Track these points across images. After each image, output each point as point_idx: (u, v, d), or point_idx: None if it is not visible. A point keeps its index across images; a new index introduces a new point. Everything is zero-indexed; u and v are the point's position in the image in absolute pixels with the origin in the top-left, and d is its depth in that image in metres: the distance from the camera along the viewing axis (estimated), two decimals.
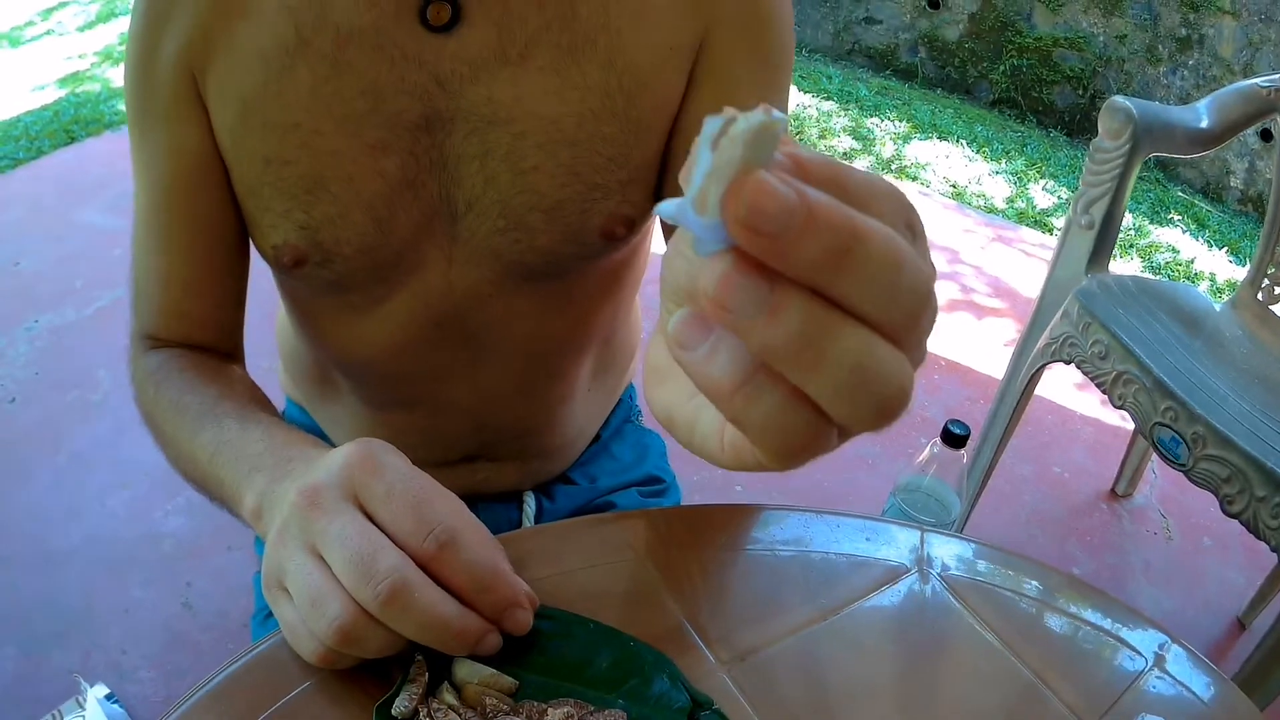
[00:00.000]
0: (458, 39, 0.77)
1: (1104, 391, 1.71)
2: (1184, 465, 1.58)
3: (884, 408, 0.32)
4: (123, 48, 5.65)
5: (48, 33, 7.97)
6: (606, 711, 0.56)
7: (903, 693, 0.65)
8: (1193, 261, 4.03)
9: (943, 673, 0.67)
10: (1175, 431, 1.58)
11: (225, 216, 0.86)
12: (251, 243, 0.89)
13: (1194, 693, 0.69)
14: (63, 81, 5.80)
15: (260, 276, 0.94)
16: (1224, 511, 1.53)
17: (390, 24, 0.76)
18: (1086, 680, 0.69)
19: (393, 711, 0.55)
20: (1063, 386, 2.89)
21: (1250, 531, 1.50)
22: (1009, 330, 3.17)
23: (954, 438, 1.34)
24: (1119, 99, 1.89)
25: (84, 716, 1.67)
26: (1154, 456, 2.50)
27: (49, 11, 8.67)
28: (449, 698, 0.55)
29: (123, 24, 7.24)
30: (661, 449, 1.27)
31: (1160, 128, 1.92)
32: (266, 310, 1.09)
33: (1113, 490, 2.55)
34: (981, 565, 0.77)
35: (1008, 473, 2.49)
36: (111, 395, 2.57)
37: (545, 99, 0.80)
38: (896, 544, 0.77)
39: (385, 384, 0.99)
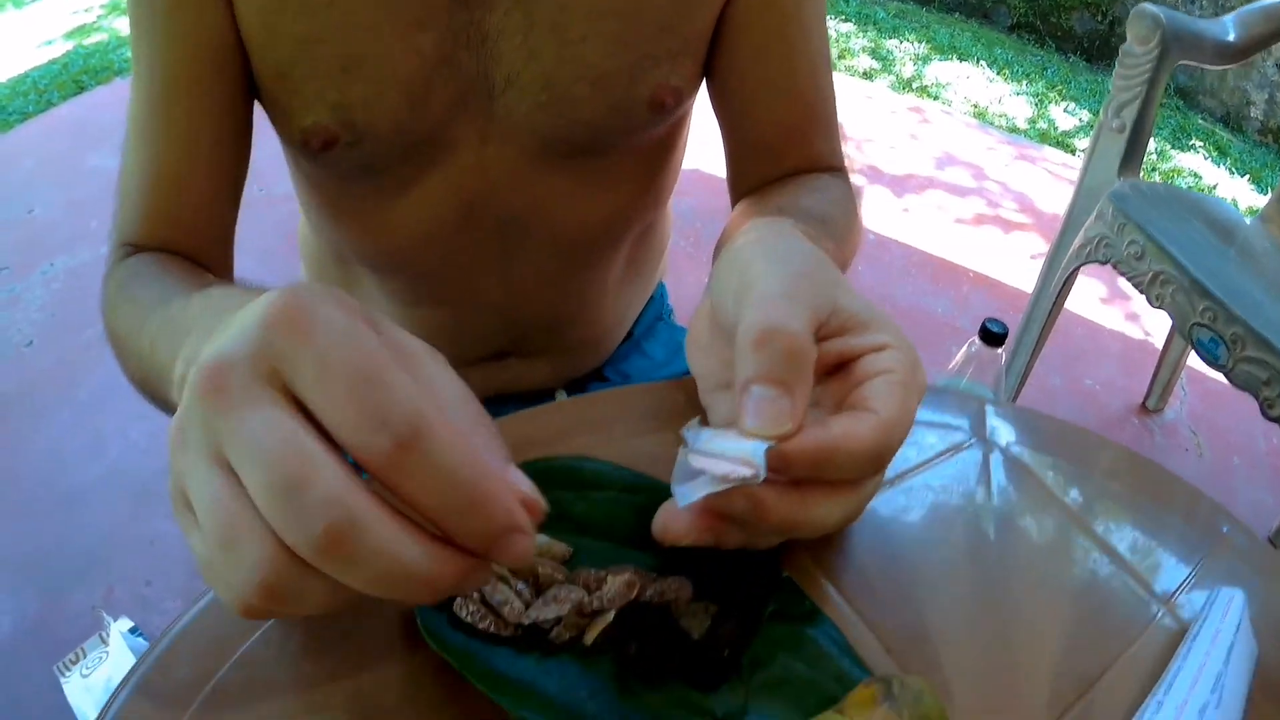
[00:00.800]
0: None
1: (1141, 291, 1.68)
2: (1224, 366, 1.56)
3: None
4: None
5: None
6: (670, 579, 0.53)
7: (975, 561, 0.62)
8: (1214, 188, 3.99)
9: (1013, 543, 0.64)
10: (1214, 332, 1.56)
11: (235, 106, 0.82)
12: (276, 128, 0.87)
13: (1256, 570, 0.66)
14: (70, 34, 5.76)
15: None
16: (1264, 415, 1.50)
17: None
18: (1156, 559, 0.66)
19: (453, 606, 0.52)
20: (1091, 300, 2.86)
21: None
22: (1036, 245, 3.14)
23: (992, 336, 1.31)
24: (1148, 5, 1.88)
25: (108, 652, 1.65)
26: (1184, 373, 2.48)
27: None
28: (498, 566, 0.52)
29: None
30: None
31: (1188, 36, 1.91)
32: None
33: (1143, 405, 2.53)
34: (1038, 435, 0.73)
35: (1040, 383, 2.48)
36: None
37: None
38: (957, 413, 0.74)
39: (413, 277, 0.97)
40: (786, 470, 0.46)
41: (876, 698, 0.43)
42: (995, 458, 0.70)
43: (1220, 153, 4.37)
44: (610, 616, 0.50)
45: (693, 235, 2.94)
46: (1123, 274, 1.73)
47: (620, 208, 0.97)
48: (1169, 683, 0.55)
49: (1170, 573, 0.64)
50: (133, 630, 1.69)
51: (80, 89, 4.25)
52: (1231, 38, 2.02)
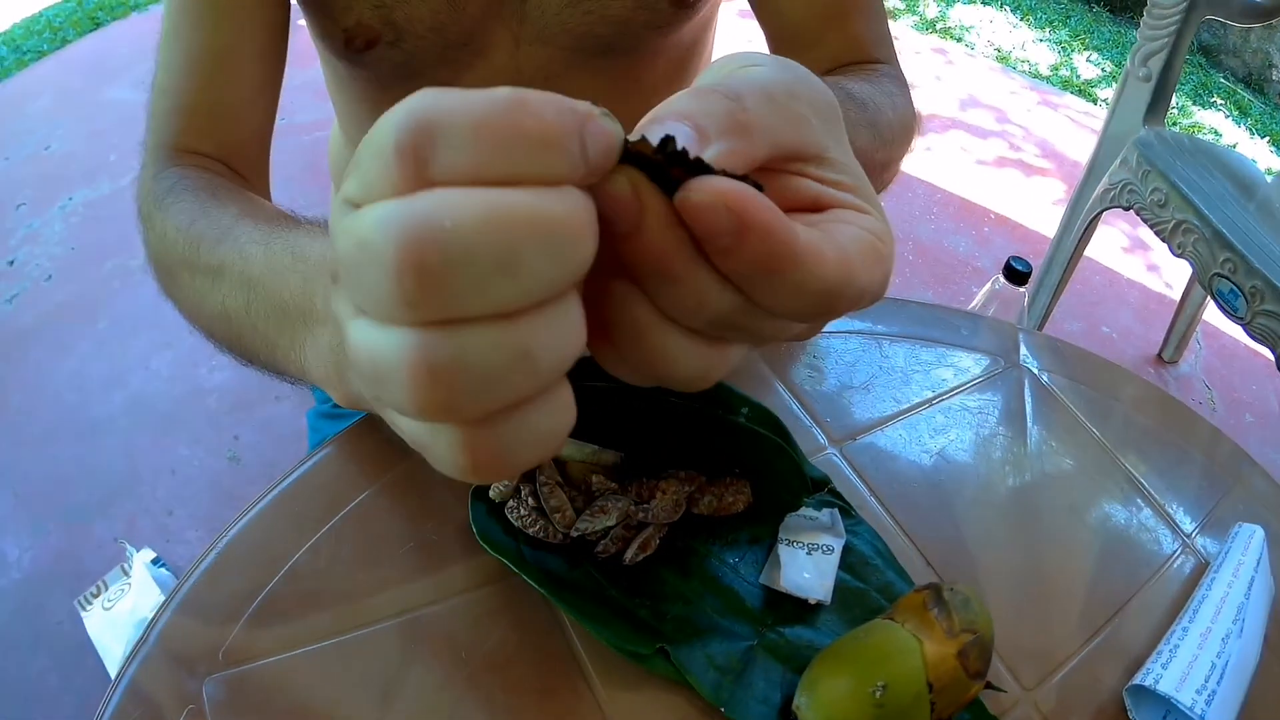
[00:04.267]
0: None
1: (1163, 240, 1.67)
2: (1242, 318, 1.56)
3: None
4: None
5: None
6: (725, 481, 0.53)
7: (1009, 483, 0.63)
8: (1235, 146, 3.92)
9: (1044, 466, 0.65)
10: (1234, 284, 1.56)
11: (271, 3, 0.80)
12: (314, 32, 0.86)
13: (1273, 511, 0.67)
14: None
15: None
16: None
17: None
18: (1179, 493, 0.67)
19: (490, 493, 0.53)
20: (1111, 249, 2.84)
21: None
22: (1057, 190, 3.11)
23: (1016, 274, 1.31)
24: None
25: (129, 584, 1.67)
26: (1200, 327, 2.46)
27: None
28: (553, 473, 0.53)
29: None
30: None
31: None
32: None
33: (1159, 355, 2.52)
34: (1070, 364, 0.74)
35: (1057, 328, 2.47)
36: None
37: None
38: (993, 338, 0.74)
39: None
40: (736, 233, 0.30)
41: (926, 603, 0.44)
42: (1029, 383, 0.71)
43: (1241, 112, 4.33)
44: (655, 535, 0.51)
45: None
46: (1145, 221, 1.72)
47: (650, 105, 0.96)
48: (1194, 609, 0.56)
49: (1192, 507, 0.66)
50: (155, 561, 1.71)
51: (96, 25, 4.17)
52: None
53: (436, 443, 0.31)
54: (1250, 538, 0.62)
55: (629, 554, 0.51)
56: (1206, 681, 0.51)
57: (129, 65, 3.64)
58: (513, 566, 0.49)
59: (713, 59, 1.00)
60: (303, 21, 0.85)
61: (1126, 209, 1.76)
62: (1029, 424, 0.68)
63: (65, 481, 1.95)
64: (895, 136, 0.73)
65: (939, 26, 4.44)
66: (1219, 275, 1.58)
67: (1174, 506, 0.65)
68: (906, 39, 4.26)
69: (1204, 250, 1.60)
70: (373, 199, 0.28)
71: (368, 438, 0.61)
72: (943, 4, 4.72)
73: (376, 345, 0.29)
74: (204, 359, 2.24)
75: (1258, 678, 0.54)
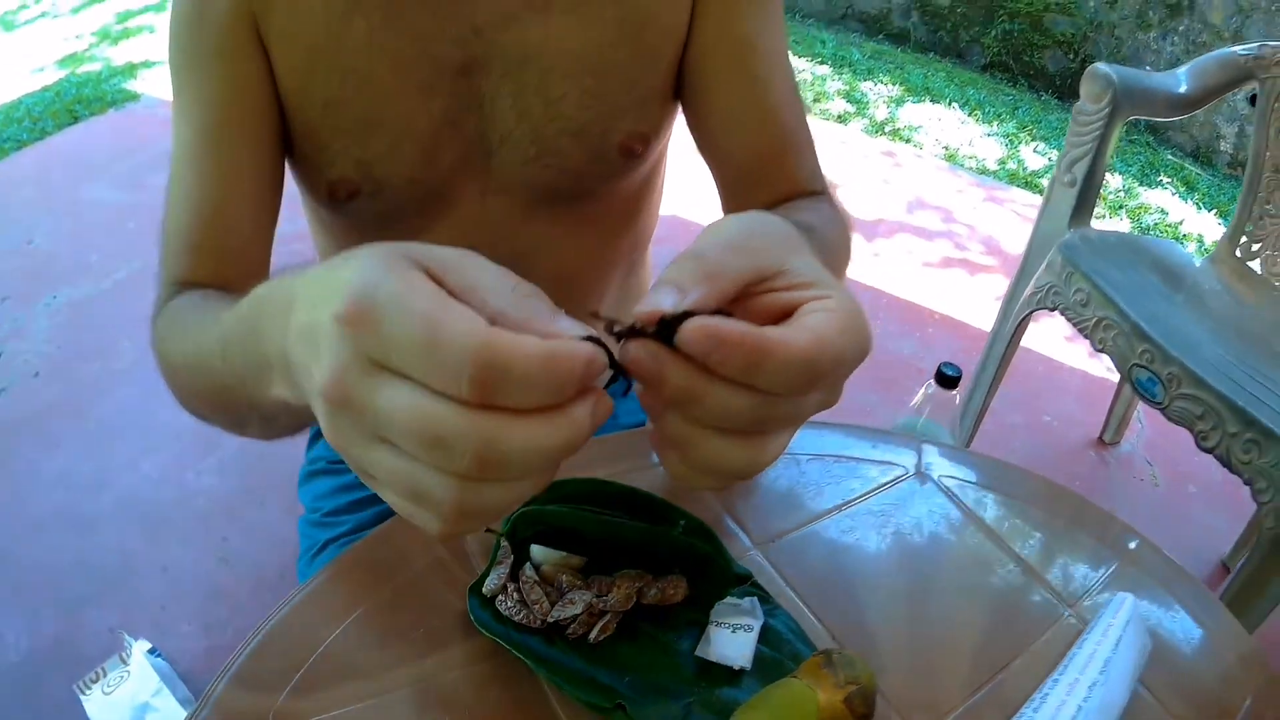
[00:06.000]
0: None
1: (1086, 337, 1.81)
2: (1160, 404, 1.68)
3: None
4: (119, 26, 5.66)
5: (41, 15, 7.96)
6: (667, 579, 0.68)
7: (907, 571, 0.77)
8: (1181, 223, 4.12)
9: (940, 556, 0.79)
10: (1152, 372, 1.69)
11: (270, 150, 0.93)
12: (300, 181, 0.99)
13: (1158, 580, 0.82)
14: (62, 62, 5.82)
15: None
16: (1198, 446, 1.63)
17: None
18: (1066, 570, 0.81)
19: (484, 590, 0.67)
20: (1052, 340, 2.98)
21: (1224, 465, 1.60)
22: (1000, 286, 3.25)
23: (946, 379, 1.43)
24: (1101, 65, 2.00)
25: (129, 671, 1.76)
26: (1139, 405, 2.59)
27: None
28: (531, 574, 0.67)
29: (117, 3, 7.22)
30: None
31: (1140, 92, 2.03)
32: None
33: (1100, 438, 2.65)
34: (970, 470, 0.89)
35: (1000, 421, 2.58)
36: (136, 364, 2.64)
37: (568, 35, 0.90)
38: (899, 452, 0.89)
39: None
40: (719, 349, 0.45)
41: (821, 664, 0.59)
42: (929, 488, 0.85)
43: (1188, 187, 4.49)
44: (613, 620, 0.66)
45: None
46: (1069, 320, 1.86)
47: (605, 249, 1.11)
48: (1065, 665, 0.70)
49: (1079, 581, 0.80)
50: (152, 650, 1.81)
51: (74, 118, 4.32)
52: (1183, 89, 2.13)
53: (421, 521, 0.47)
54: (1122, 603, 0.75)
55: (593, 634, 0.66)
56: None
57: (108, 164, 3.77)
58: (504, 644, 0.64)
59: (662, 194, 1.16)
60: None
61: (1052, 310, 1.91)
62: (927, 522, 0.82)
63: (60, 572, 2.04)
64: (838, 252, 0.92)
65: (888, 128, 4.61)
66: (1138, 365, 1.71)
67: (1059, 581, 0.79)
68: (857, 144, 4.44)
69: (1123, 343, 1.74)
70: (445, 392, 0.42)
71: (379, 548, 0.75)
72: (892, 105, 4.90)
73: (424, 480, 0.44)
74: (191, 463, 2.33)
75: (1126, 715, 0.68)
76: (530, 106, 0.92)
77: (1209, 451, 1.62)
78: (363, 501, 1.19)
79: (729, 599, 0.68)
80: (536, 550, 0.69)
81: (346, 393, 0.44)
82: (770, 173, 1.01)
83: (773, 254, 0.53)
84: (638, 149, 0.99)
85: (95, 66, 5.36)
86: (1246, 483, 1.59)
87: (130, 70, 5.08)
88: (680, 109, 1.03)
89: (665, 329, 0.44)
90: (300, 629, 0.69)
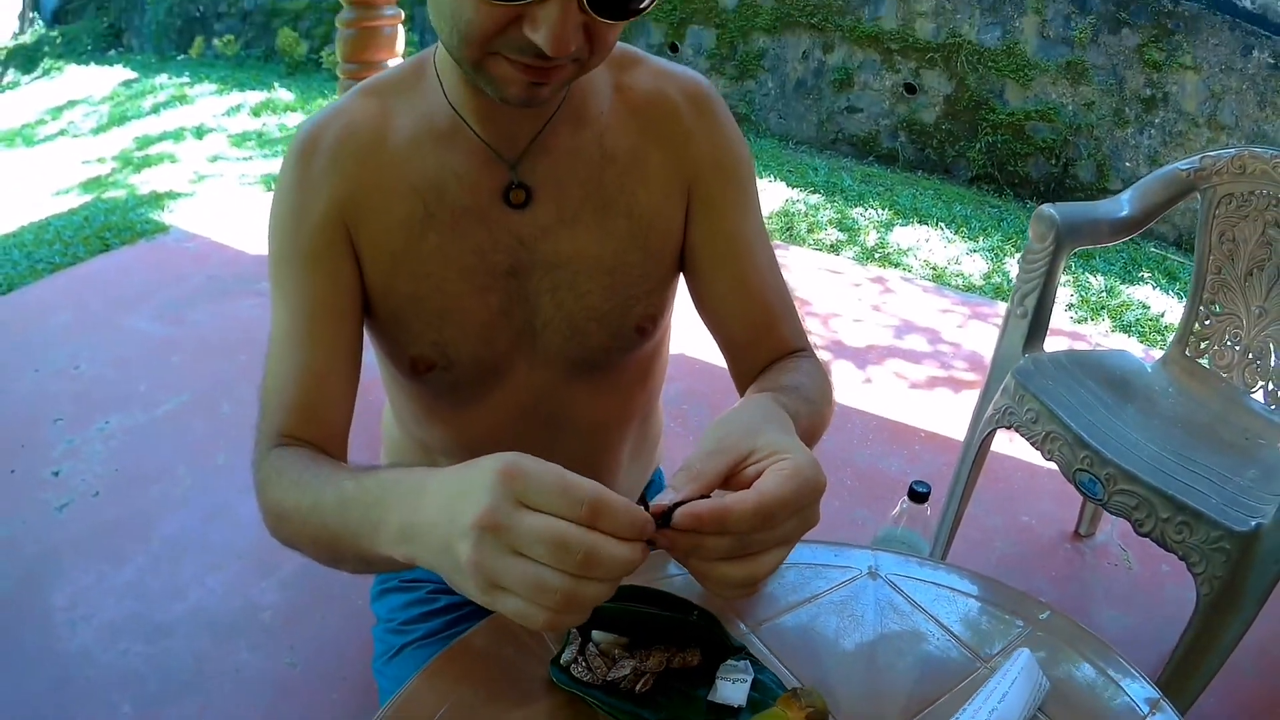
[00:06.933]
0: (531, 213, 1.12)
1: (1037, 448, 2.08)
2: (1101, 500, 1.94)
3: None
4: (140, 153, 5.87)
5: (61, 132, 8.35)
6: (687, 650, 1.00)
7: (859, 642, 1.07)
8: (1163, 315, 4.34)
9: (885, 630, 1.09)
10: (1092, 474, 1.94)
11: (355, 333, 1.13)
12: (383, 355, 1.23)
13: (1063, 639, 1.09)
14: (86, 186, 6.14)
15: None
16: (1136, 533, 1.87)
17: (486, 204, 1.11)
18: (982, 635, 1.09)
19: (561, 660, 0.99)
20: (1028, 446, 3.13)
21: (1160, 546, 1.83)
22: None
23: (917, 495, 1.70)
24: (1046, 207, 2.27)
25: None
26: None
27: (58, 110, 9.09)
28: (594, 649, 0.99)
29: (135, 128, 7.59)
30: None
31: (1084, 225, 2.31)
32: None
33: (1076, 531, 2.87)
34: (912, 568, 1.18)
35: (979, 524, 2.84)
36: (193, 490, 2.83)
37: (591, 244, 1.14)
38: (856, 558, 1.20)
39: None
40: (696, 521, 0.78)
41: (790, 698, 0.90)
42: (879, 583, 1.16)
43: (1170, 278, 4.73)
44: (651, 678, 0.97)
45: (680, 416, 3.35)
46: (1022, 435, 2.12)
47: (625, 404, 1.35)
48: (972, 700, 0.98)
49: (992, 643, 1.08)
50: None
51: (105, 246, 4.56)
52: (1126, 213, 2.39)
53: (532, 613, 0.74)
54: (1019, 656, 1.01)
55: (638, 687, 0.96)
56: None
57: (146, 295, 3.98)
58: (579, 693, 0.95)
59: (668, 358, 1.43)
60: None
61: (1008, 428, 2.18)
62: (875, 607, 1.11)
63: (135, 674, 2.20)
64: (822, 401, 1.16)
65: (878, 255, 4.84)
66: (1080, 469, 1.97)
67: (976, 643, 1.07)
68: (849, 273, 4.69)
69: (1067, 452, 2.00)
70: (569, 517, 0.72)
71: (466, 650, 1.03)
72: (882, 229, 5.15)
73: (547, 577, 0.72)
74: (255, 580, 2.51)
75: None
76: (564, 300, 1.16)
77: (1145, 536, 1.86)
78: (433, 612, 1.44)
79: (730, 662, 0.99)
80: (597, 634, 1.00)
81: (497, 520, 0.71)
82: (762, 339, 1.24)
83: (743, 444, 0.85)
84: (648, 328, 1.23)
85: (120, 194, 5.57)
86: (1181, 558, 1.81)
87: (157, 201, 5.28)
88: (681, 282, 1.27)
89: (668, 514, 0.80)
90: (428, 694, 0.98)
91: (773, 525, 0.80)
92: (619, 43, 1.05)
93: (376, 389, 1.35)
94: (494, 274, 1.13)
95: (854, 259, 4.86)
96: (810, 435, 1.09)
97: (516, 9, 0.86)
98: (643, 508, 0.77)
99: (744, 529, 0.79)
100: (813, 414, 1.11)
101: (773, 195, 5.64)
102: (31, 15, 15.35)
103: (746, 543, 0.80)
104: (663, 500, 0.80)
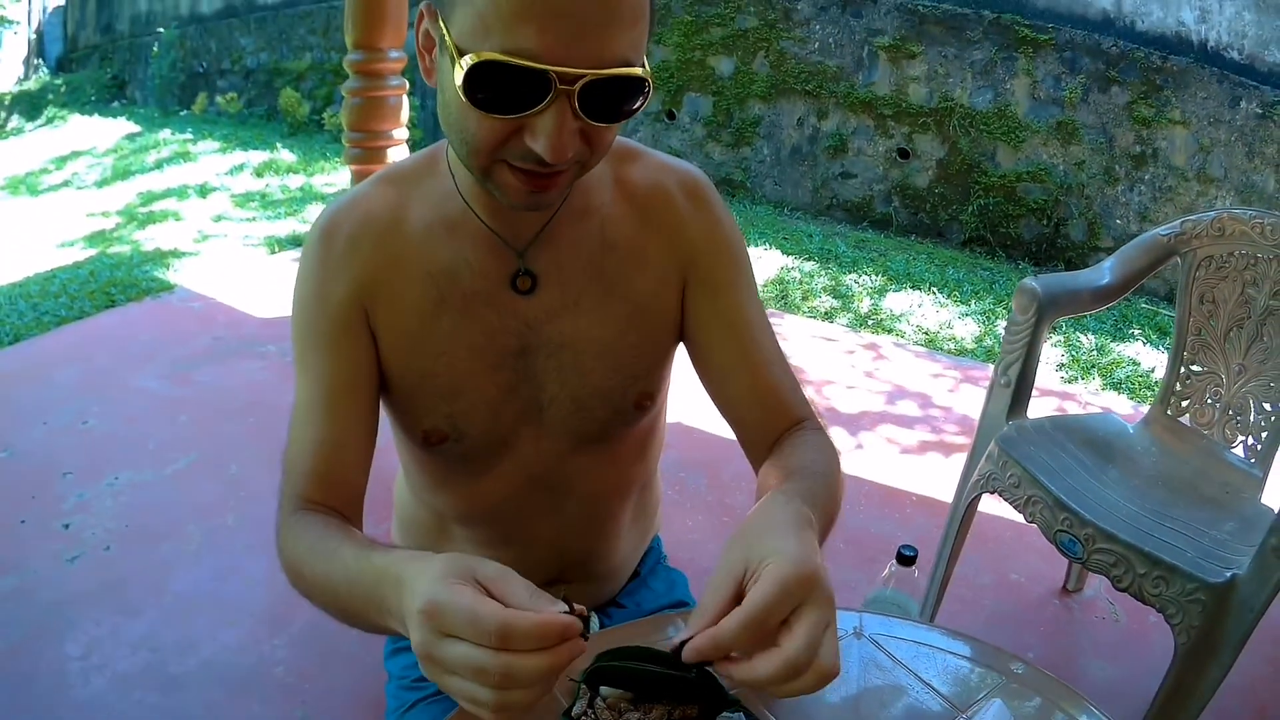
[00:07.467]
0: (537, 298, 1.18)
1: (1019, 511, 2.17)
2: (1081, 559, 2.01)
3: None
4: (144, 209, 5.96)
5: (65, 183, 8.49)
6: (686, 704, 1.11)
7: (846, 695, 1.19)
8: (1152, 371, 4.41)
9: (870, 685, 1.20)
10: (1072, 535, 2.02)
11: (372, 407, 1.19)
12: (398, 427, 1.28)
13: (1034, 689, 1.20)
14: (90, 240, 6.25)
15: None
16: (1115, 588, 1.94)
17: (495, 289, 1.17)
18: (960, 687, 1.20)
19: (571, 713, 1.10)
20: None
21: (1138, 600, 1.90)
22: None
23: (905, 558, 1.79)
24: (1029, 280, 2.37)
25: None
26: None
27: (62, 160, 9.24)
28: (602, 702, 1.10)
29: (139, 183, 7.71)
30: (685, 582, 1.71)
31: (1065, 295, 2.40)
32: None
33: (1064, 587, 2.94)
34: (895, 628, 1.30)
35: (969, 582, 2.93)
36: (204, 548, 2.90)
37: (592, 327, 1.20)
38: (842, 619, 1.30)
39: (491, 525, 1.37)
40: (699, 657, 0.89)
41: None
42: (864, 642, 1.27)
43: (1160, 334, 4.81)
44: None
45: (678, 484, 3.42)
46: (1005, 499, 2.20)
47: (625, 474, 1.41)
48: None
49: (968, 695, 1.19)
50: None
51: (111, 301, 4.65)
52: (1107, 281, 2.46)
53: (479, 711, 0.81)
54: (991, 705, 1.12)
55: None
56: None
57: (152, 354, 4.08)
58: None
59: (665, 431, 1.49)
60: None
61: (992, 493, 2.27)
62: (860, 664, 1.22)
63: None
64: (833, 471, 1.19)
65: (871, 321, 4.93)
66: (1060, 531, 2.05)
67: (955, 695, 1.18)
68: (842, 340, 4.87)
69: (1048, 514, 2.09)
70: (481, 644, 0.78)
71: None
72: (875, 296, 5.23)
73: (475, 692, 0.79)
74: (267, 636, 2.55)
75: None
76: (568, 378, 1.22)
77: (1124, 591, 1.93)
78: None
79: (725, 714, 1.10)
80: (604, 689, 1.10)
81: (428, 651, 0.80)
82: (768, 412, 1.29)
83: (741, 564, 0.89)
84: (647, 404, 1.29)
85: (124, 249, 5.69)
86: (1159, 610, 1.88)
87: (161, 258, 5.39)
88: (681, 355, 1.33)
89: (679, 649, 0.91)
90: None
91: (764, 627, 0.86)
92: (619, 137, 1.11)
93: (390, 455, 1.42)
94: (503, 354, 1.19)
95: (847, 326, 4.95)
96: (829, 506, 1.14)
97: (516, 121, 0.93)
98: (564, 608, 0.84)
99: (741, 644, 0.86)
100: (828, 486, 1.15)
101: (768, 263, 5.74)
102: (36, 61, 15.59)
103: (755, 644, 0.87)
104: (673, 639, 0.93)
